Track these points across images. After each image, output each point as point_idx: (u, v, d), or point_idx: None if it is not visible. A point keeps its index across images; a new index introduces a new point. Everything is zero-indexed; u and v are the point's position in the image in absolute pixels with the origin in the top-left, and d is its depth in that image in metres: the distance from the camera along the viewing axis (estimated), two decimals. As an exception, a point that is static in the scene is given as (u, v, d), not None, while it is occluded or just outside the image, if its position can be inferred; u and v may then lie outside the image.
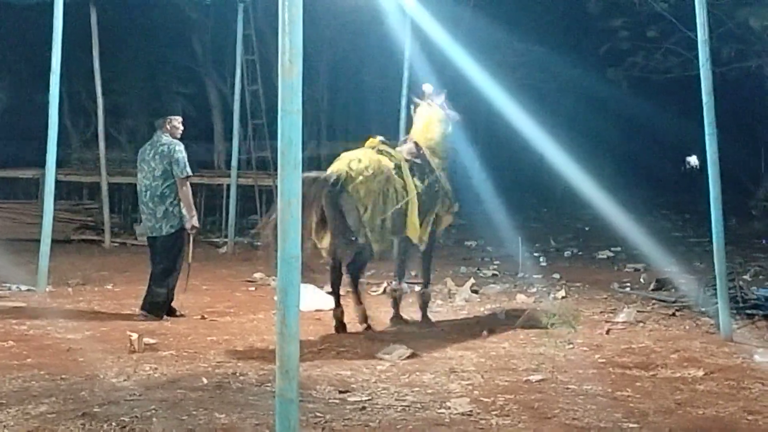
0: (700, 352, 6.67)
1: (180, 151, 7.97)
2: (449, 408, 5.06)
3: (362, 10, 15.06)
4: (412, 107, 8.38)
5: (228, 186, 15.09)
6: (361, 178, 6.93)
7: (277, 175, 3.66)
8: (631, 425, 4.78)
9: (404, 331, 7.49)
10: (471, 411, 5.00)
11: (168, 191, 7.95)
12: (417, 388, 5.50)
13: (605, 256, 13.72)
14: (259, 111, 16.51)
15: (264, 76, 16.41)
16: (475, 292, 9.73)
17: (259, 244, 7.29)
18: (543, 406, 5.13)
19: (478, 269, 12.03)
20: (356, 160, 7.04)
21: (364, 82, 22.99)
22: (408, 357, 6.36)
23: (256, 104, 16.30)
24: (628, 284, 10.56)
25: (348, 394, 5.36)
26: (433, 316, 8.10)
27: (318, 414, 4.86)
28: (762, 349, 6.75)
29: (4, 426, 4.59)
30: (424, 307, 7.96)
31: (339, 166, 7.07)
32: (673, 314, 8.41)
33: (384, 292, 9.10)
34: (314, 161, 16.01)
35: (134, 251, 13.71)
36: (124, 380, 5.64)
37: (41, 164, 10.44)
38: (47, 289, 9.40)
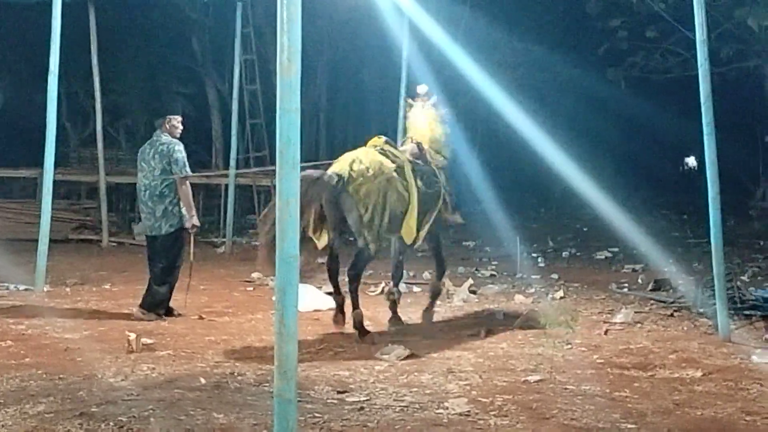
0: (699, 353, 6.66)
1: (179, 150, 7.98)
2: (447, 408, 5.05)
3: (360, 10, 15.06)
4: (406, 107, 8.41)
5: (226, 186, 15.08)
6: (361, 179, 6.93)
7: (275, 174, 3.65)
8: (629, 426, 4.78)
9: (402, 331, 7.48)
10: (469, 411, 5.00)
11: (167, 190, 7.95)
12: (415, 389, 5.50)
13: (603, 257, 13.73)
14: (257, 110, 16.52)
15: (263, 76, 16.42)
16: (474, 292, 9.73)
17: (256, 243, 7.25)
18: (541, 406, 5.12)
19: (477, 269, 12.03)
20: (357, 161, 7.04)
21: (363, 82, 23.00)
22: (406, 357, 6.36)
23: (254, 103, 16.30)
24: (627, 285, 10.56)
25: (346, 394, 5.35)
26: (433, 316, 8.13)
27: (316, 414, 4.85)
28: (760, 349, 6.74)
29: (2, 425, 4.58)
30: (433, 298, 8.09)
31: (340, 166, 7.06)
32: (672, 315, 8.41)
33: (382, 292, 9.10)
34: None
35: (132, 251, 13.70)
36: (122, 380, 5.63)
37: (39, 164, 10.44)
38: (45, 289, 9.40)
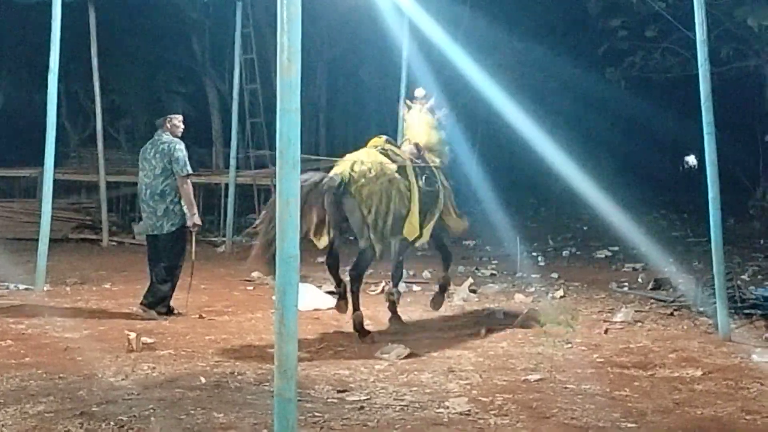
0: (699, 352, 6.67)
1: (180, 149, 7.99)
2: (447, 407, 5.05)
3: (360, 10, 15.06)
4: (404, 109, 8.44)
5: (226, 185, 15.08)
6: (363, 180, 6.95)
7: (275, 173, 3.65)
8: (629, 425, 4.78)
9: (402, 331, 7.49)
10: (469, 410, 5.00)
11: (168, 189, 7.96)
12: (415, 388, 5.50)
13: (603, 256, 13.73)
14: (257, 110, 16.52)
15: (263, 75, 16.42)
16: (474, 291, 9.73)
17: (253, 243, 7.26)
18: (541, 405, 5.13)
19: (477, 269, 12.04)
20: (359, 162, 7.06)
21: (362, 82, 23.00)
22: (406, 356, 6.37)
23: (254, 103, 16.30)
24: (627, 284, 10.56)
25: (346, 393, 5.35)
26: (430, 315, 8.17)
27: (316, 413, 4.85)
28: (760, 348, 6.75)
29: (2, 425, 4.59)
30: (442, 288, 8.19)
31: (342, 167, 7.07)
32: (672, 314, 8.41)
33: (382, 291, 9.11)
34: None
35: (132, 250, 13.70)
36: (122, 379, 5.64)
37: (39, 163, 10.44)
38: (45, 288, 9.40)
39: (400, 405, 5.09)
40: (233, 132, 14.87)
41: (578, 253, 14.38)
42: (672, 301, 8.95)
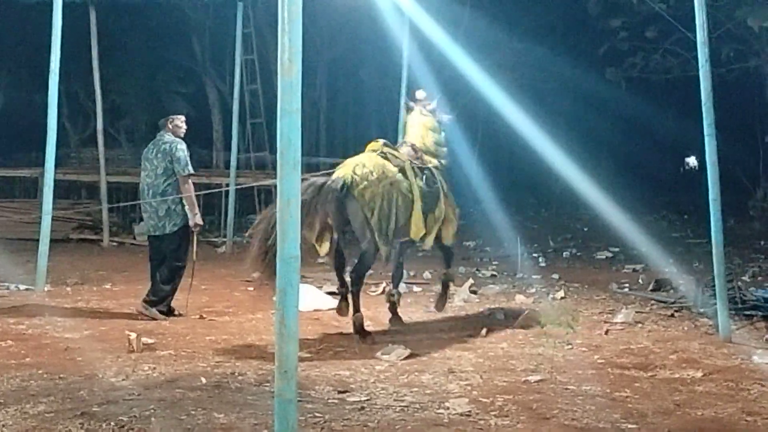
0: (699, 353, 6.66)
1: (182, 149, 8.00)
2: (448, 408, 5.05)
3: (360, 10, 15.06)
4: (405, 111, 8.43)
5: (227, 185, 15.08)
6: (366, 182, 6.96)
7: (276, 174, 3.65)
8: (629, 426, 4.78)
9: (403, 331, 7.49)
10: (470, 411, 5.00)
11: (170, 189, 7.97)
12: (416, 389, 5.50)
13: (604, 257, 13.73)
14: (258, 110, 16.52)
15: (263, 76, 16.41)
16: (474, 292, 9.73)
17: (251, 243, 7.27)
18: (542, 406, 5.12)
19: (477, 269, 12.03)
20: (360, 165, 7.08)
21: (362, 83, 23.01)
22: (407, 357, 6.36)
23: (255, 104, 16.30)
24: (627, 285, 10.55)
25: (347, 394, 5.35)
26: (430, 316, 8.17)
27: (317, 414, 4.85)
28: (761, 350, 6.74)
29: (3, 425, 4.58)
30: (444, 286, 8.20)
31: (344, 171, 7.08)
32: (672, 315, 8.41)
33: (382, 292, 9.11)
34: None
35: (133, 251, 13.70)
36: (123, 380, 5.63)
37: (40, 163, 10.44)
38: (46, 289, 9.40)
39: (400, 406, 5.09)
40: (234, 132, 14.87)
41: (579, 254, 14.38)
42: (672, 303, 8.95)
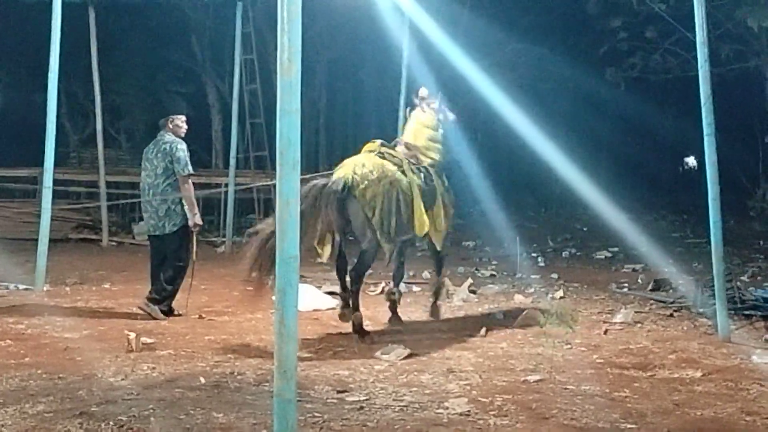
0: (698, 353, 6.67)
1: (182, 149, 8.01)
2: (447, 408, 5.05)
3: (360, 10, 15.06)
4: (408, 109, 8.42)
5: (226, 185, 15.08)
6: (366, 182, 6.96)
7: (275, 174, 3.65)
8: (629, 426, 4.78)
9: (402, 331, 7.49)
10: (469, 411, 5.00)
11: (170, 189, 7.97)
12: (415, 388, 5.50)
13: (603, 257, 13.73)
14: (257, 110, 16.51)
15: (263, 76, 16.40)
16: (473, 292, 9.73)
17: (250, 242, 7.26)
18: (541, 406, 5.12)
19: (476, 269, 12.04)
20: (360, 165, 7.09)
21: (362, 83, 23.00)
22: (406, 357, 6.36)
23: (254, 104, 16.29)
24: (626, 284, 10.56)
25: (346, 394, 5.35)
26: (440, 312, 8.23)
27: (316, 414, 4.85)
28: (760, 350, 6.75)
29: (2, 425, 4.58)
30: (435, 295, 8.23)
31: (344, 171, 7.09)
32: (671, 315, 8.41)
33: (382, 292, 9.11)
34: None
35: (132, 250, 13.70)
36: (122, 379, 5.63)
37: (39, 163, 10.43)
38: (45, 288, 9.40)
39: (399, 405, 5.09)
40: (233, 132, 14.87)
41: (578, 253, 14.39)
42: (672, 302, 8.95)
